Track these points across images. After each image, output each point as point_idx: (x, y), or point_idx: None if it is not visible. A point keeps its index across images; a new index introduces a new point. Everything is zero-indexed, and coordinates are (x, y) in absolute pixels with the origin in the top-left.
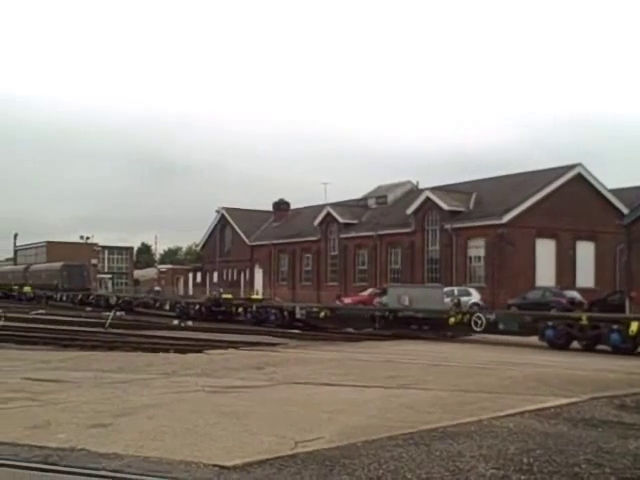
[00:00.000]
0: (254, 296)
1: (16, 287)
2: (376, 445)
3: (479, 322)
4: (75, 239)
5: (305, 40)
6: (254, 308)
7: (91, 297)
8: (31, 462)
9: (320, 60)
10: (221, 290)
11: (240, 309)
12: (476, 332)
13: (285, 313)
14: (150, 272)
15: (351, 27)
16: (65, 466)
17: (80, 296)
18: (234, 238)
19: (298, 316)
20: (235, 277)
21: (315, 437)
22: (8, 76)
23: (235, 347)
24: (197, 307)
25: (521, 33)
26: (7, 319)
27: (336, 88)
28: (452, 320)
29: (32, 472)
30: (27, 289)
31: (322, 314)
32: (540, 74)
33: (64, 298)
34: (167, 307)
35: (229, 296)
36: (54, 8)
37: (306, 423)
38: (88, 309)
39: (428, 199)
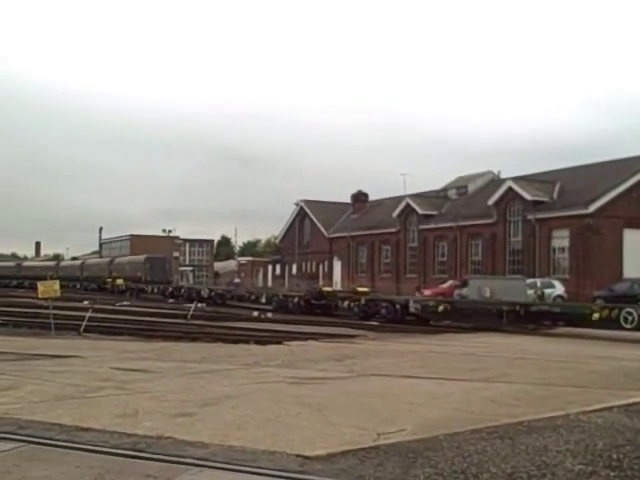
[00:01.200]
0: (360, 288)
1: (109, 280)
2: (459, 438)
3: (630, 318)
4: (157, 232)
5: (383, 28)
6: (362, 301)
7: (182, 290)
8: (120, 449)
9: (400, 48)
10: (321, 283)
11: (346, 302)
12: (625, 329)
13: (397, 307)
14: (230, 264)
15: (427, 11)
16: (153, 453)
17: (170, 289)
18: (313, 230)
19: (412, 310)
20: (314, 269)
21: (397, 429)
22: (103, 73)
23: (314, 339)
24: (296, 300)
25: (606, 13)
26: (94, 310)
27: (415, 76)
28: (596, 316)
29: (122, 458)
30: (119, 282)
31: (441, 308)
32: (630, 57)
33: (155, 290)
34: (263, 300)
35: (329, 289)
36: (136, 12)
37: (387, 415)
38: (171, 301)
39: (510, 189)
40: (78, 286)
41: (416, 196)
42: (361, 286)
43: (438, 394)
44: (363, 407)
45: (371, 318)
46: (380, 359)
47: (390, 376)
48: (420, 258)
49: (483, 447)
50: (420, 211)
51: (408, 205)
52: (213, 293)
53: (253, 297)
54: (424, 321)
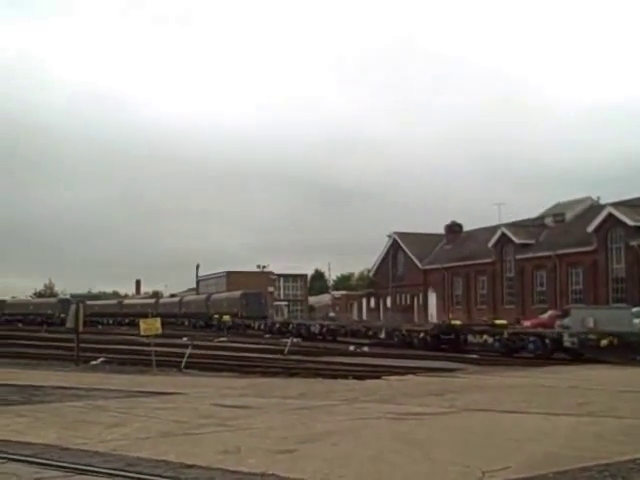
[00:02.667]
0: (498, 321)
1: (216, 316)
2: (568, 476)
3: None
4: (252, 268)
5: (475, 56)
6: (505, 335)
7: (290, 326)
8: None
9: (488, 75)
10: (450, 316)
11: (484, 337)
12: None
13: (547, 341)
14: (324, 298)
15: (526, 38)
16: None
17: (278, 325)
18: (406, 262)
19: (567, 344)
20: (408, 301)
21: (502, 466)
22: (197, 111)
23: (413, 373)
24: (421, 335)
25: None
26: (193, 347)
27: (509, 105)
28: None
29: None
30: (226, 318)
31: (604, 342)
32: None
33: (262, 327)
34: (382, 335)
35: (458, 322)
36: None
37: (491, 452)
38: (267, 336)
39: (611, 215)
40: (177, 322)
41: (512, 225)
42: (499, 318)
43: (544, 429)
44: (466, 443)
45: (513, 353)
46: (482, 393)
47: (493, 411)
48: (518, 288)
49: None
50: (516, 240)
51: (504, 235)
52: (324, 329)
53: (371, 332)
54: (577, 356)
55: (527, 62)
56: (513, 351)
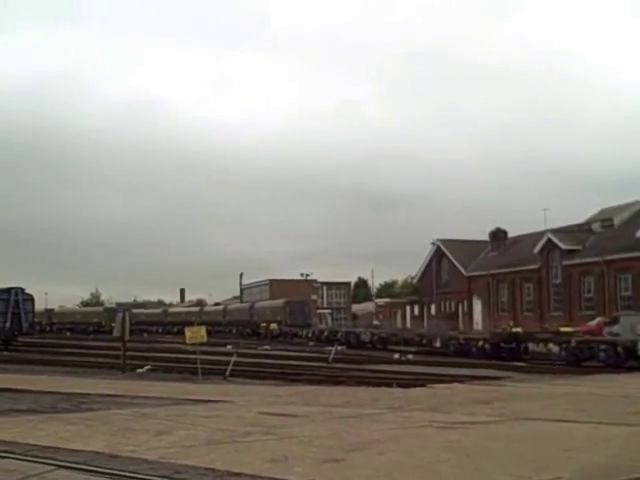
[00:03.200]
0: (564, 328)
1: (263, 324)
2: None
3: None
4: (295, 276)
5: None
6: (573, 343)
7: (339, 334)
8: None
9: (536, 82)
10: (510, 323)
11: (549, 345)
12: None
13: (619, 349)
14: (368, 306)
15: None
16: None
17: (326, 333)
18: (450, 269)
19: None
20: (453, 309)
21: (553, 477)
22: (243, 121)
23: (459, 381)
24: (480, 344)
25: None
26: (238, 355)
27: (552, 109)
28: None
29: None
30: (273, 326)
31: None
32: None
33: (309, 335)
34: (437, 344)
35: (519, 329)
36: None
37: (541, 461)
38: (310, 344)
39: None
40: (224, 330)
41: (557, 231)
42: (566, 325)
43: (595, 439)
44: (515, 453)
45: (582, 362)
46: (531, 402)
47: (542, 420)
48: (564, 295)
49: None
50: (563, 246)
51: (550, 240)
52: (375, 337)
53: (424, 341)
54: None
55: (573, 65)
56: (581, 360)
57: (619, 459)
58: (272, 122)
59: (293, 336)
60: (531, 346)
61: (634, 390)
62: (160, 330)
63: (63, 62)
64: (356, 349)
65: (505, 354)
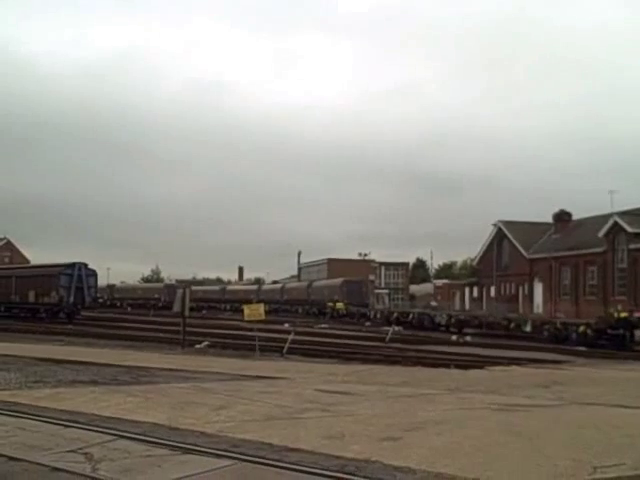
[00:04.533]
0: None
1: (330, 304)
2: None
3: None
4: (353, 256)
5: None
6: None
7: (411, 315)
8: (330, 470)
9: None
10: (619, 307)
11: None
12: None
13: None
14: (426, 287)
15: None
16: (362, 477)
17: (396, 314)
18: (511, 251)
19: None
20: (513, 291)
21: (615, 463)
22: (301, 101)
23: (517, 364)
24: (581, 329)
25: None
26: (295, 333)
27: (618, 86)
28: None
29: None
30: (340, 305)
31: None
32: None
33: (377, 316)
34: (528, 328)
35: (626, 314)
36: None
37: (603, 447)
38: (367, 324)
39: None
40: (279, 309)
41: (624, 214)
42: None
43: None
44: (576, 438)
45: None
46: (592, 387)
47: (604, 405)
48: (630, 279)
49: None
50: (630, 229)
51: (616, 223)
52: (453, 319)
53: (512, 325)
54: None
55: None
56: None
57: None
58: (334, 104)
59: (361, 317)
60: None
61: None
62: (219, 307)
63: (127, 43)
64: (427, 331)
65: (608, 342)
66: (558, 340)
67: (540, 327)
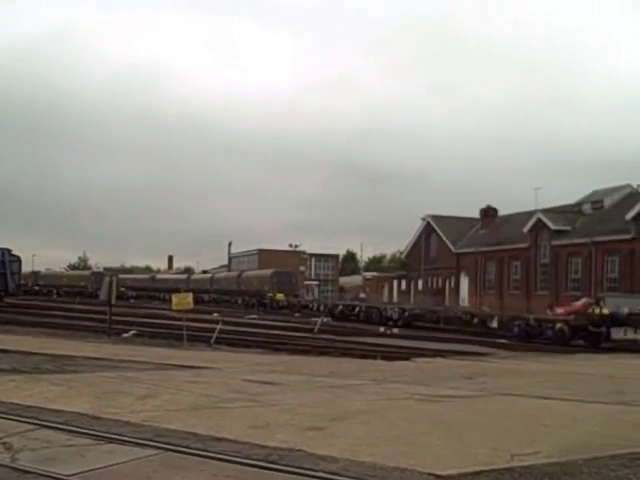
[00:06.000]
0: None
1: (269, 295)
2: (599, 464)
3: None
4: (284, 247)
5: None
6: None
7: (357, 309)
8: (254, 459)
9: (532, 62)
10: (601, 302)
11: None
12: None
13: None
14: (355, 279)
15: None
16: (285, 465)
17: (340, 307)
18: (439, 245)
19: None
20: (440, 285)
21: (532, 451)
22: (244, 94)
23: (442, 356)
24: (558, 326)
25: None
26: (224, 323)
27: (549, 87)
28: None
29: (255, 469)
30: (280, 297)
31: None
32: None
33: (321, 308)
34: (494, 324)
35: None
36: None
37: (522, 436)
38: (297, 315)
39: None
40: (230, 300)
41: (548, 211)
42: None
43: (576, 416)
44: (496, 427)
45: None
46: (513, 378)
47: (525, 396)
48: (552, 275)
49: (625, 474)
50: (552, 226)
51: (540, 220)
52: (406, 313)
53: (475, 321)
54: None
55: (572, 48)
56: None
57: (599, 437)
58: (270, 92)
59: (302, 308)
60: (617, 333)
61: (614, 369)
62: (148, 296)
63: (61, 22)
64: (375, 324)
65: (584, 339)
66: (530, 337)
67: (508, 323)
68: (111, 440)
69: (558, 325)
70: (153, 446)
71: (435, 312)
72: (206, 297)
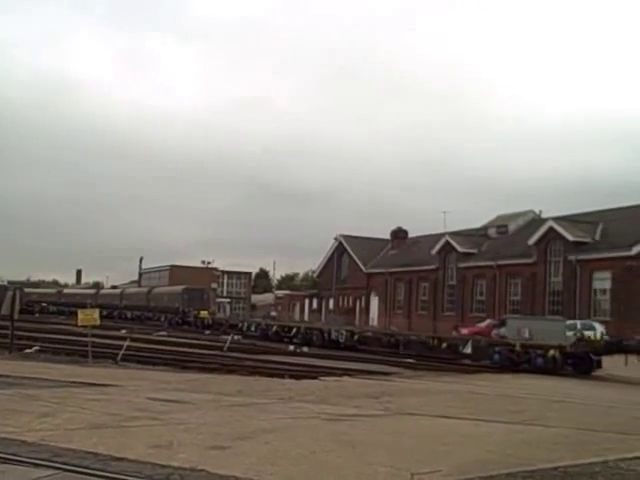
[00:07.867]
0: None
1: (194, 312)
2: None
3: None
4: (197, 263)
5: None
6: None
7: (294, 330)
8: (153, 479)
9: (441, 85)
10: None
11: None
12: None
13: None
14: (268, 297)
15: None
16: None
17: (275, 328)
18: (351, 265)
19: None
20: (351, 304)
21: (432, 470)
22: (151, 101)
23: (349, 375)
24: (550, 353)
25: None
26: (132, 339)
27: (457, 114)
28: None
29: None
30: (204, 314)
31: None
32: None
33: (252, 328)
34: (467, 350)
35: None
36: None
37: (422, 455)
38: (207, 332)
39: (551, 229)
40: (142, 316)
41: (456, 234)
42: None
43: (475, 435)
44: (398, 446)
45: None
46: (416, 398)
47: (426, 415)
48: (458, 296)
49: None
50: (459, 249)
51: (448, 243)
52: (356, 337)
53: (444, 345)
54: None
55: (480, 77)
56: None
57: (496, 455)
58: (185, 108)
59: (230, 327)
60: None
61: (513, 390)
62: (54, 311)
63: None
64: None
65: (573, 366)
66: (515, 364)
67: (486, 348)
68: (5, 460)
69: (551, 352)
70: (50, 466)
71: (392, 335)
72: (115, 313)
